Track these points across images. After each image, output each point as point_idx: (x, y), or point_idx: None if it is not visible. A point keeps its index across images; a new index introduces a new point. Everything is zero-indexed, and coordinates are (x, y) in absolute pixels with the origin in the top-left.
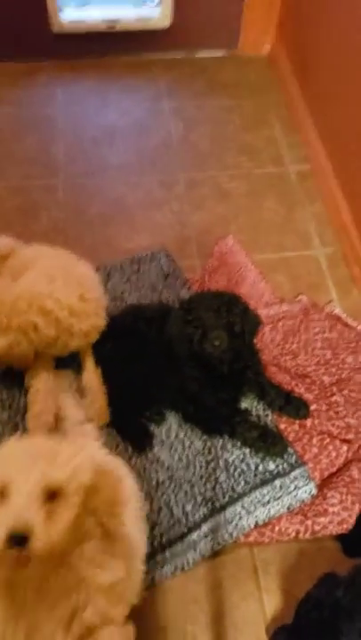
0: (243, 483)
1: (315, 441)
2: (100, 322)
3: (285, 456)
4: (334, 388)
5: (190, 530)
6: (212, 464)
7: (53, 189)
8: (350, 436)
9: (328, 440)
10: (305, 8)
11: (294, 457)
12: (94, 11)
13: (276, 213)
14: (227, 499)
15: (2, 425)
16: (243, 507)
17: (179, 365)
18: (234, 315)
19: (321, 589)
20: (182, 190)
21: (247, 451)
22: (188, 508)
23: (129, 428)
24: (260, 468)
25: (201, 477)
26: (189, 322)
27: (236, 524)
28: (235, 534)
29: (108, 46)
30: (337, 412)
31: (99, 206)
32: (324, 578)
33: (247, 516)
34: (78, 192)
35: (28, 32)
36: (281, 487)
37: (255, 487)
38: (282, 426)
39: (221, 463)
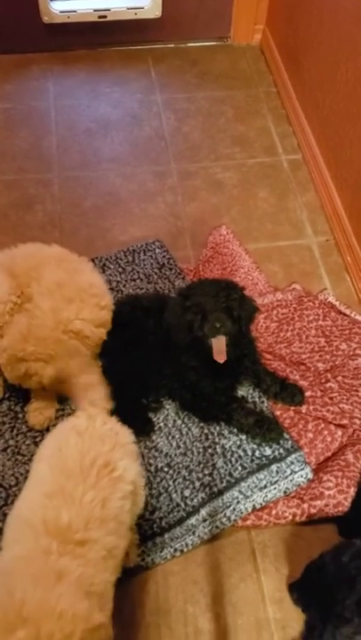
0: (240, 468)
1: (310, 426)
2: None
3: (281, 441)
4: (329, 375)
5: (189, 514)
6: (210, 450)
7: (48, 183)
8: (345, 421)
9: (323, 425)
10: None
11: (290, 442)
12: (85, 0)
13: (269, 203)
14: (224, 484)
15: (1, 415)
16: (240, 491)
17: (176, 354)
18: (232, 300)
19: (331, 553)
20: (176, 181)
21: (244, 437)
22: (187, 493)
23: (130, 415)
24: (257, 453)
25: (199, 463)
26: (188, 308)
27: (234, 509)
28: (233, 518)
29: (100, 37)
30: (331, 398)
31: (93, 199)
32: (340, 543)
33: (245, 500)
34: (72, 185)
35: (19, 22)
36: (277, 472)
37: (252, 472)
38: (277, 412)
39: (219, 449)
